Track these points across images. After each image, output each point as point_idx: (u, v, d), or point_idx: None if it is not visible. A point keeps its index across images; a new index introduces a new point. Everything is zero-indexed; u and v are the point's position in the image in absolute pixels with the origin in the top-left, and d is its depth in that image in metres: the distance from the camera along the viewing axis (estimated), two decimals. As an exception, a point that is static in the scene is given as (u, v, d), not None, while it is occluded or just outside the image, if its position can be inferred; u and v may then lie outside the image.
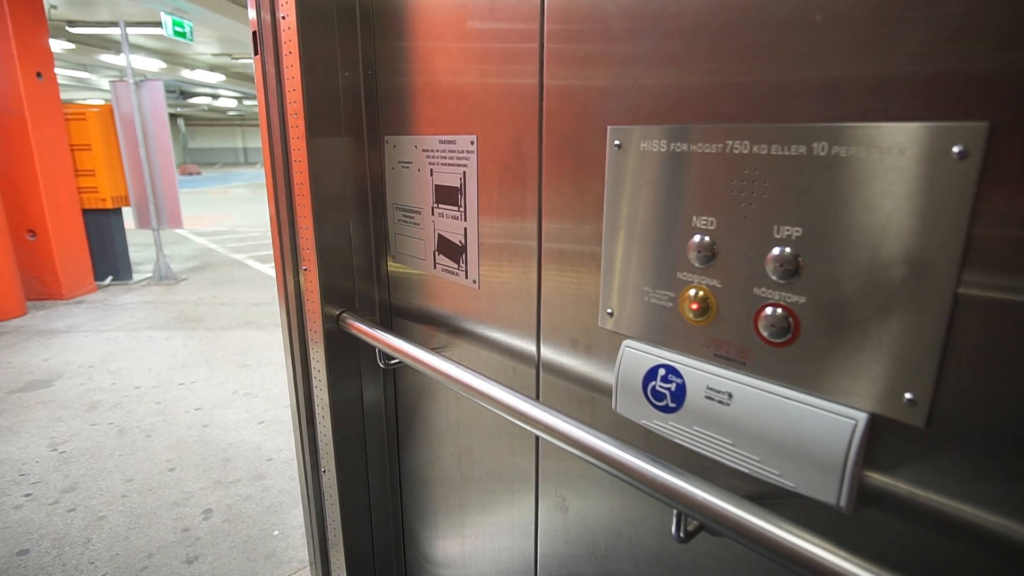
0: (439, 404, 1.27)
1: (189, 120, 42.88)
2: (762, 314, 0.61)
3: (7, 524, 2.37)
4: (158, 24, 8.60)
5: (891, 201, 0.50)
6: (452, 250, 1.05)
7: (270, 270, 7.55)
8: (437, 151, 1.04)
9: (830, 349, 0.57)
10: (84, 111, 6.11)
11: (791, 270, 0.58)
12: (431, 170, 1.06)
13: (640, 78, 0.70)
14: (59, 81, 5.92)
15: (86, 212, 6.27)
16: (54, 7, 9.93)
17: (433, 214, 1.08)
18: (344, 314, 1.29)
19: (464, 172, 0.99)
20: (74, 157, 6.14)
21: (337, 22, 1.17)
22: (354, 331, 1.25)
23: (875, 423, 0.55)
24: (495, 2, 0.88)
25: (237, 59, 18.26)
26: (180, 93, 26.40)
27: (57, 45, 12.73)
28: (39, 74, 5.51)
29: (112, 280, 6.58)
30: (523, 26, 0.83)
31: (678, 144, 0.66)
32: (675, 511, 0.67)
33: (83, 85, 21.38)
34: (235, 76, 22.64)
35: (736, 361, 0.65)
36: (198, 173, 32.44)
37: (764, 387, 0.62)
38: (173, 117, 37.08)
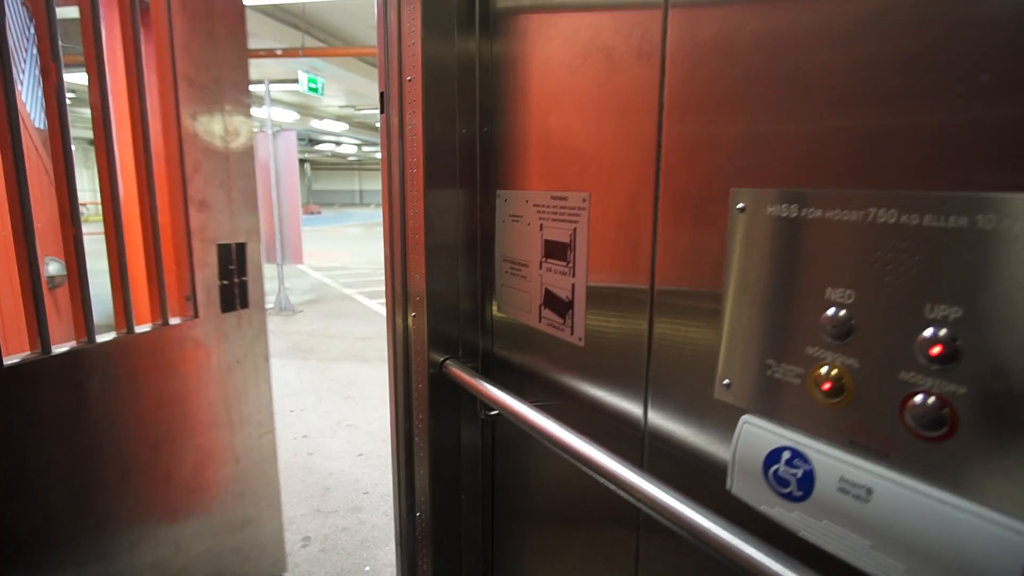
0: (537, 460, 1.25)
1: (314, 164, 47.00)
2: (910, 402, 0.54)
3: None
4: (295, 81, 9.59)
5: (1081, 286, 0.44)
6: (558, 305, 1.05)
7: (377, 306, 7.95)
8: (548, 207, 1.05)
9: (1000, 451, 0.49)
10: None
11: (948, 355, 0.52)
12: (541, 225, 1.07)
13: (768, 136, 0.67)
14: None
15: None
16: (213, 68, 11.33)
17: (541, 268, 1.09)
18: (448, 361, 1.31)
19: (575, 228, 0.99)
20: (218, 198, 6.89)
21: (458, 81, 1.23)
22: (456, 379, 1.26)
23: (1061, 545, 0.46)
24: (613, 58, 0.88)
25: (360, 110, 19.87)
26: (308, 141, 29.09)
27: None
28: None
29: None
30: (642, 82, 0.83)
31: (811, 210, 0.62)
32: (801, 615, 0.60)
33: (230, 134, 24.05)
34: (357, 125, 24.63)
35: (876, 451, 0.58)
36: (319, 212, 35.31)
37: (914, 486, 0.54)
38: (301, 162, 40.83)
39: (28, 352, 1.40)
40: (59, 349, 1.46)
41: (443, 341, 1.35)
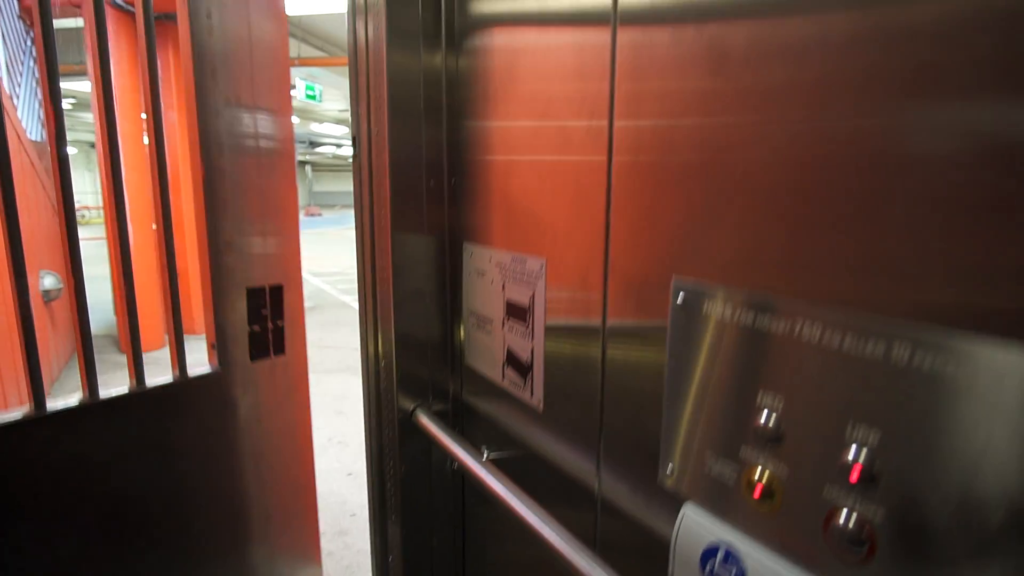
0: (501, 514, 1.25)
1: (315, 166, 47.05)
2: (833, 519, 0.54)
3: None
4: (292, 87, 9.60)
5: (986, 434, 0.44)
6: (519, 367, 1.05)
7: (373, 314, 7.91)
8: (509, 267, 1.05)
9: (913, 582, 0.49)
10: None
11: (867, 477, 0.52)
12: (503, 284, 1.08)
13: (707, 229, 0.67)
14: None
15: (219, 256, 6.97)
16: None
17: (504, 327, 1.09)
18: (417, 409, 1.32)
19: (533, 293, 0.99)
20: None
21: (425, 133, 1.23)
22: (424, 429, 1.27)
23: None
24: (566, 132, 0.88)
25: (360, 113, 19.81)
26: (309, 143, 29.12)
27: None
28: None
29: (236, 318, 7.21)
30: (592, 157, 0.83)
31: (743, 311, 0.62)
32: None
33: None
34: (357, 128, 24.56)
35: (804, 562, 0.58)
36: (319, 214, 35.33)
37: (835, 604, 0.54)
38: (302, 164, 40.88)
39: (24, 408, 1.21)
40: (55, 406, 1.25)
41: (414, 386, 1.35)
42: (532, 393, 1.02)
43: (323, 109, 19.06)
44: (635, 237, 0.77)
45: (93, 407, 1.27)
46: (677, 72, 0.69)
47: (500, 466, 1.16)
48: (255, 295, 1.57)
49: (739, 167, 0.63)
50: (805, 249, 0.57)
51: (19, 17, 5.72)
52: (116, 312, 6.44)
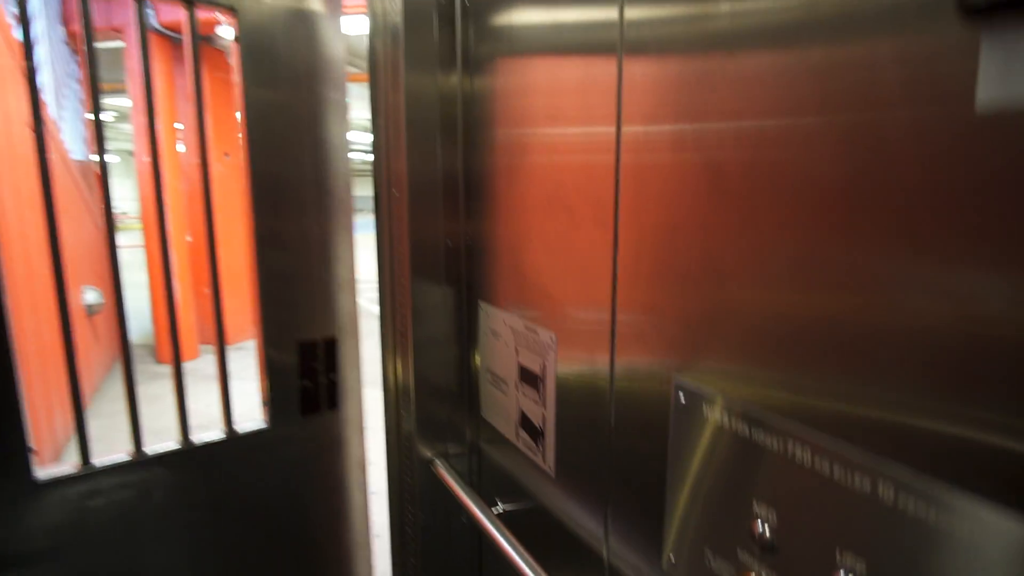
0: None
1: (345, 171, 47.78)
2: (824, 638, 0.56)
3: None
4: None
5: (962, 585, 0.45)
6: (532, 430, 1.08)
7: (399, 325, 8.00)
8: (522, 333, 1.08)
9: None
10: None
11: (856, 603, 0.53)
12: (516, 349, 1.11)
13: (710, 340, 0.69)
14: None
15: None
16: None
17: (517, 390, 1.12)
18: (436, 458, 1.36)
19: (544, 363, 1.02)
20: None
21: (443, 198, 1.28)
22: (442, 480, 1.30)
23: None
24: (574, 214, 0.91)
25: (388, 121, 20.06)
26: (339, 150, 29.55)
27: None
28: (226, 154, 6.49)
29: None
30: (599, 241, 0.85)
31: (739, 422, 0.64)
32: None
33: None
34: (385, 135, 24.85)
35: (799, 671, 0.60)
36: (348, 219, 35.85)
37: None
38: (332, 169, 41.50)
39: (69, 467, 1.24)
40: (103, 461, 1.27)
41: (433, 432, 1.40)
42: (544, 458, 1.05)
43: (351, 118, 19.32)
44: (639, 328, 0.79)
45: (142, 462, 1.31)
46: (677, 196, 0.71)
47: (513, 519, 1.19)
48: (307, 348, 1.53)
49: (742, 281, 0.65)
50: (803, 371, 0.59)
51: (64, 42, 6.02)
52: (153, 321, 6.67)
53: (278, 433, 1.51)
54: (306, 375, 1.53)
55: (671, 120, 0.71)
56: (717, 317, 0.67)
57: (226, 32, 6.24)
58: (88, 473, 1.23)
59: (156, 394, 5.50)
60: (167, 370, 6.09)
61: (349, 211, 1.61)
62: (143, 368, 6.11)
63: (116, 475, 1.27)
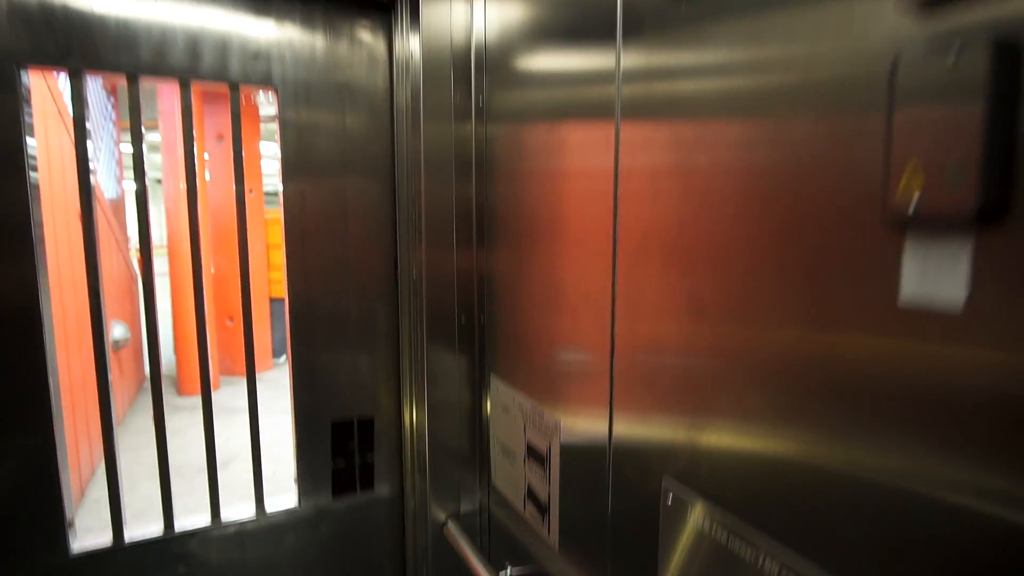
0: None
1: (364, 197, 48.62)
2: None
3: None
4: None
5: None
6: (538, 504, 1.15)
7: (415, 356, 8.10)
8: (530, 413, 1.16)
9: None
10: (279, 217, 7.30)
11: None
12: (524, 427, 1.19)
13: (695, 444, 0.77)
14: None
15: (273, 300, 7.36)
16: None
17: (525, 465, 1.20)
18: (449, 520, 1.43)
19: (550, 444, 1.10)
20: (269, 254, 7.30)
21: (457, 280, 1.38)
22: (453, 542, 1.38)
23: None
24: (576, 310, 1.00)
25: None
26: (359, 177, 30.21)
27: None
28: (251, 191, 6.72)
29: (285, 359, 7.55)
30: (596, 330, 0.94)
31: (718, 529, 0.71)
32: None
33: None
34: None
35: None
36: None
37: None
38: (351, 196, 42.27)
39: (103, 540, 1.30)
40: (134, 536, 1.33)
41: (445, 493, 1.47)
42: (549, 532, 1.12)
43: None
44: (633, 429, 0.87)
45: (171, 540, 1.36)
46: (664, 315, 0.80)
47: (522, 587, 1.26)
48: (340, 428, 1.50)
49: (726, 398, 0.73)
50: (781, 483, 0.66)
51: (102, 87, 6.36)
52: (175, 353, 6.85)
53: (308, 514, 1.49)
54: (339, 454, 1.51)
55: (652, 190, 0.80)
56: (704, 426, 0.75)
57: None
58: (120, 548, 1.31)
59: (178, 427, 5.61)
60: (189, 402, 6.23)
61: (389, 287, 1.60)
62: (165, 400, 6.25)
63: (147, 550, 1.33)
